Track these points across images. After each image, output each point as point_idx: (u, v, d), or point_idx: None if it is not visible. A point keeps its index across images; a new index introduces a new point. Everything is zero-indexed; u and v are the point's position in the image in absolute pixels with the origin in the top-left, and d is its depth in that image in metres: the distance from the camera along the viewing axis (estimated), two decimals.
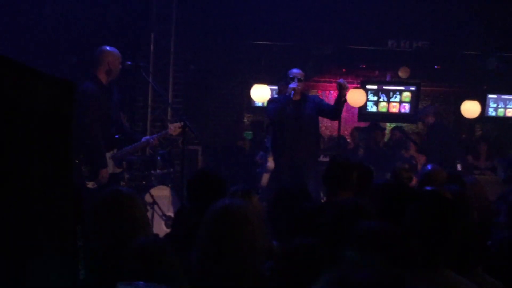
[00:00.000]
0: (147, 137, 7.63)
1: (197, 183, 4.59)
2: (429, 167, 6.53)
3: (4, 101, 1.52)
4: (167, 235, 4.77)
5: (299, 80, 8.20)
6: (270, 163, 9.33)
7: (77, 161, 6.96)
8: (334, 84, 8.20)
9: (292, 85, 8.04)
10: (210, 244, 3.15)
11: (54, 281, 1.70)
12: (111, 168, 7.15)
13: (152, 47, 10.30)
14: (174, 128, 7.31)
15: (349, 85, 8.83)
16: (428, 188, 4.95)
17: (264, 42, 12.01)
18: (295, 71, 8.32)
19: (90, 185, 6.98)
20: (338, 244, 2.93)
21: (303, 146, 8.14)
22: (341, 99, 8.03)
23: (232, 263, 3.08)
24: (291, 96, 7.96)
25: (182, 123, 7.35)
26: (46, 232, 1.65)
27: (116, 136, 7.26)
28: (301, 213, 3.85)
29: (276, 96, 9.78)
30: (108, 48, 7.08)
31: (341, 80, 8.05)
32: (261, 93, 11.50)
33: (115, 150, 7.18)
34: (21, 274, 1.62)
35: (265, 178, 9.51)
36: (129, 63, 7.37)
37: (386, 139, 12.61)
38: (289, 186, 4.93)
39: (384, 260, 2.64)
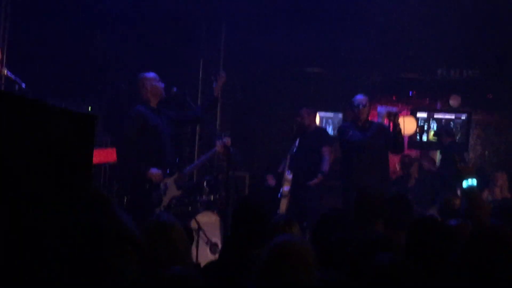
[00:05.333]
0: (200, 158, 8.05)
1: (240, 213, 4.58)
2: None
3: (24, 138, 1.57)
4: (210, 263, 4.76)
5: (364, 107, 8.23)
6: (286, 188, 9.31)
7: (147, 185, 7.21)
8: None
9: (393, 109, 8.09)
10: (268, 281, 3.19)
11: None
12: (173, 191, 7.55)
13: (201, 74, 10.39)
14: (219, 145, 7.57)
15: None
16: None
17: (313, 70, 12.03)
18: (360, 97, 8.35)
19: (157, 211, 7.19)
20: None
21: (373, 172, 8.13)
22: (396, 128, 7.98)
23: None
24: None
25: (226, 139, 7.60)
26: (63, 259, 1.68)
27: (177, 160, 7.61)
28: (330, 245, 3.82)
29: (346, 123, 9.69)
30: (142, 74, 7.61)
31: (391, 108, 8.00)
32: None
33: (176, 174, 7.43)
34: None
35: (283, 204, 9.43)
36: (175, 90, 7.58)
37: None
38: (329, 216, 4.89)
39: None
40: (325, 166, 9.18)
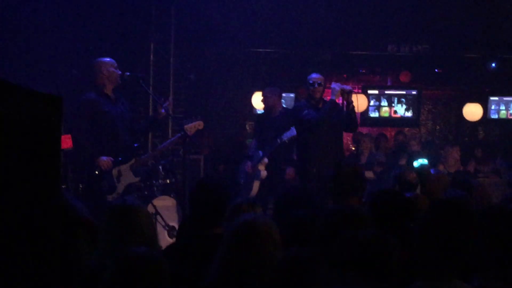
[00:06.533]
0: (164, 143, 8.12)
1: (197, 193, 4.54)
2: (431, 171, 6.48)
3: None
4: (169, 246, 4.72)
5: (319, 85, 8.22)
6: (263, 172, 9.05)
7: (96, 172, 7.10)
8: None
9: (347, 87, 8.05)
10: (232, 260, 3.19)
11: None
12: (129, 178, 7.43)
13: (152, 57, 10.29)
14: (190, 128, 7.46)
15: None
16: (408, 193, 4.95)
17: (263, 50, 12.01)
18: (315, 75, 8.32)
19: (110, 198, 7.11)
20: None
21: (328, 150, 8.11)
22: (349, 106, 7.99)
23: (253, 278, 3.10)
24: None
25: (197, 122, 7.49)
26: (30, 245, 1.65)
27: (135, 145, 7.48)
28: (296, 220, 3.82)
29: (300, 102, 9.24)
30: (99, 59, 7.45)
31: (345, 86, 8.01)
32: None
33: (133, 160, 7.33)
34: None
35: (256, 186, 9.23)
36: (128, 74, 7.50)
37: None
38: (290, 193, 4.89)
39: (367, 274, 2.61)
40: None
